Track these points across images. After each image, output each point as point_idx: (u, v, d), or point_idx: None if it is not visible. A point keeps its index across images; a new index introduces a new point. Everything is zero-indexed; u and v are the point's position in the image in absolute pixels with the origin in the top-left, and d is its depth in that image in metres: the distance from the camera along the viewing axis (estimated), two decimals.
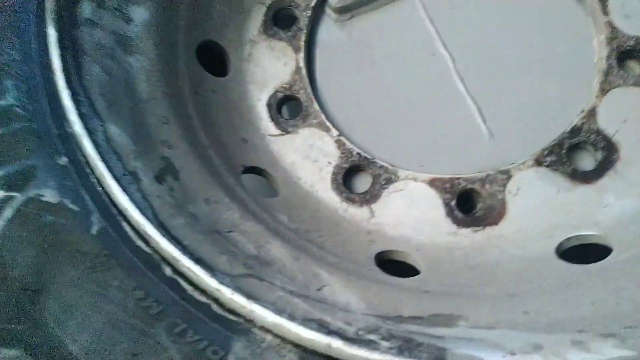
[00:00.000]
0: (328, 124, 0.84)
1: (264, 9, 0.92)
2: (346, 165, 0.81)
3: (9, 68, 0.58)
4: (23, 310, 0.45)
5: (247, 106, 0.86)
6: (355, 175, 0.82)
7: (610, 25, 0.81)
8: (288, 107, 0.88)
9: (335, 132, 0.83)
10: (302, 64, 0.87)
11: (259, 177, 0.81)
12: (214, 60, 0.86)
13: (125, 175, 0.55)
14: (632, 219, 0.68)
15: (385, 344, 0.45)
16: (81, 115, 0.56)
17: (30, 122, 0.56)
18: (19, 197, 0.51)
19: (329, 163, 0.82)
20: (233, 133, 0.81)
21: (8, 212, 0.50)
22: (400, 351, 0.44)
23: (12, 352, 0.42)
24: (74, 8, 0.63)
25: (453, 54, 0.86)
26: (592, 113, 0.77)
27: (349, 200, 0.79)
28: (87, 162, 0.53)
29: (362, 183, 0.81)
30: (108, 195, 0.52)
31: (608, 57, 0.79)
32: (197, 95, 0.79)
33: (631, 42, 0.79)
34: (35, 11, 0.60)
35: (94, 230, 0.50)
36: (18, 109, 0.56)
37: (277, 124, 0.85)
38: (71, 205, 0.51)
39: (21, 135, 0.55)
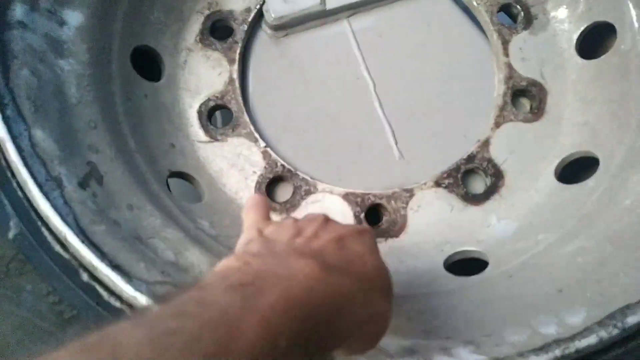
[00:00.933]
0: (256, 135, 0.89)
1: (202, 19, 0.95)
2: (270, 175, 0.87)
3: None
4: None
5: (178, 112, 0.89)
6: (277, 185, 0.88)
7: (509, 66, 0.92)
8: (218, 116, 0.93)
9: (262, 143, 0.88)
10: (235, 75, 0.92)
11: (185, 183, 0.85)
12: (148, 65, 0.89)
13: (48, 180, 0.58)
14: (508, 239, 0.80)
15: None
16: (5, 119, 0.58)
17: None
18: None
19: (254, 172, 0.87)
20: (162, 138, 0.85)
21: None
22: None
23: None
24: (6, 10, 0.64)
25: (375, 79, 0.94)
26: (486, 143, 0.88)
27: (270, 208, 0.85)
28: (9, 167, 0.56)
29: (284, 193, 0.88)
30: (29, 201, 0.55)
31: (504, 94, 0.91)
32: (129, 100, 0.82)
33: (524, 83, 0.91)
34: None
35: (11, 234, 0.53)
36: None
37: (207, 131, 0.89)
38: None
39: None
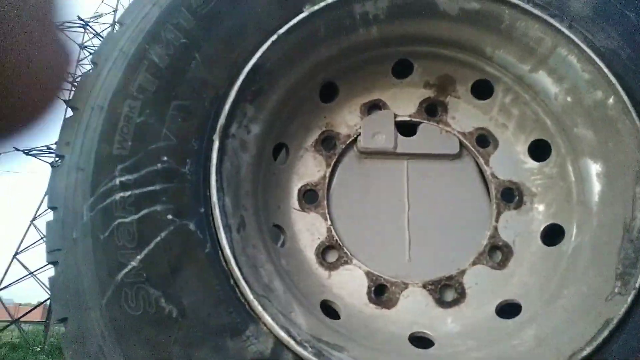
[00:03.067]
0: (327, 215, 1.44)
1: (319, 132, 1.51)
2: (327, 243, 1.42)
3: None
4: None
5: (288, 186, 1.46)
6: (329, 250, 1.43)
7: (495, 228, 1.43)
8: (308, 196, 1.48)
9: (329, 222, 1.43)
10: (327, 174, 1.47)
11: (278, 232, 1.41)
12: (280, 155, 1.45)
13: (226, 226, 1.14)
14: (451, 336, 1.31)
15: (310, 349, 1.06)
16: (217, 191, 1.15)
17: (191, 184, 1.14)
18: (177, 222, 1.10)
19: (319, 238, 1.42)
20: (275, 201, 1.41)
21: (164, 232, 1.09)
22: (316, 355, 1.05)
23: None
24: (229, 127, 1.21)
25: (411, 204, 1.47)
26: (462, 272, 1.39)
27: (320, 263, 1.40)
28: (213, 217, 1.13)
29: (332, 256, 1.42)
30: (217, 235, 1.11)
31: (485, 245, 1.42)
32: (265, 175, 1.38)
33: (500, 243, 1.42)
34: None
35: (206, 250, 1.10)
36: (187, 175, 1.15)
37: (300, 203, 1.45)
38: (200, 235, 1.11)
39: (183, 191, 1.14)
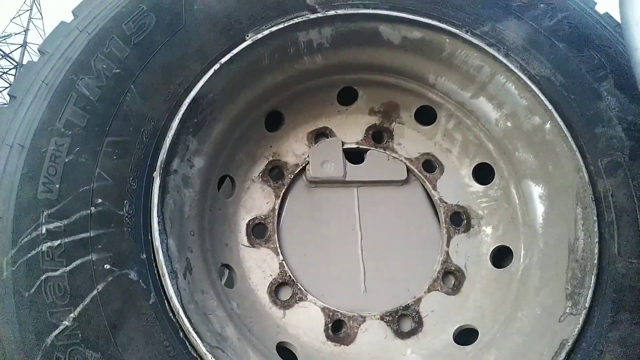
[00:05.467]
0: (279, 250, 1.37)
1: (266, 162, 1.44)
2: (280, 280, 1.35)
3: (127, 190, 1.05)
4: None
5: (235, 221, 1.37)
6: (283, 287, 1.36)
7: (447, 253, 1.43)
8: (258, 230, 1.41)
9: (281, 257, 1.36)
10: (277, 207, 1.41)
11: (226, 271, 1.31)
12: (227, 188, 1.37)
13: (171, 272, 1.04)
14: None
15: None
16: (159, 233, 1.04)
17: (130, 228, 1.03)
18: (116, 271, 0.99)
19: (271, 275, 1.35)
20: (222, 238, 1.32)
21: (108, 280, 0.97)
22: None
23: None
24: (170, 163, 1.12)
25: (363, 233, 1.44)
26: (418, 300, 1.38)
27: (274, 302, 1.32)
28: (156, 263, 1.02)
29: (285, 294, 1.35)
30: (162, 284, 1.01)
31: (439, 271, 1.41)
32: (210, 211, 1.30)
33: (453, 268, 1.42)
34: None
35: (151, 302, 0.99)
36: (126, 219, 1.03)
37: (249, 239, 1.37)
38: (142, 284, 1.00)
39: (121, 236, 1.02)
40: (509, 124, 1.38)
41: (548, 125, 1.30)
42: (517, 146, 1.37)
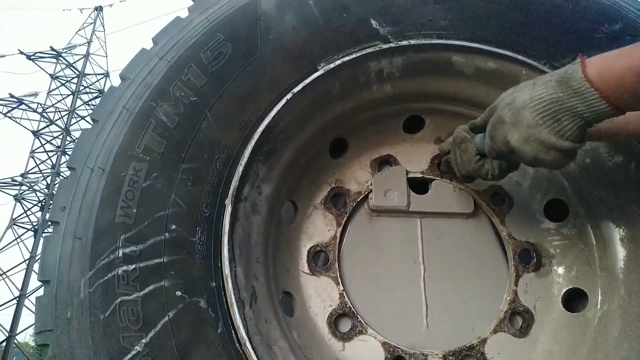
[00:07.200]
0: (339, 279, 1.35)
1: (328, 188, 1.43)
2: (340, 311, 1.32)
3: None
4: None
5: (296, 248, 1.36)
6: (342, 318, 1.33)
7: (515, 293, 1.37)
8: (318, 258, 1.39)
9: (341, 287, 1.34)
10: (338, 234, 1.39)
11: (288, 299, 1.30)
12: (285, 213, 1.37)
13: (238, 301, 1.04)
14: None
15: None
16: (229, 261, 1.05)
17: (202, 255, 1.04)
18: (187, 298, 0.99)
19: (330, 305, 1.33)
20: (284, 265, 1.31)
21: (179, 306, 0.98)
22: None
23: None
24: (241, 191, 1.13)
25: (426, 266, 1.40)
26: (483, 341, 1.31)
27: (333, 334, 1.30)
28: (225, 292, 1.02)
29: (345, 325, 1.32)
30: (230, 314, 1.01)
31: (506, 311, 1.35)
32: (275, 237, 1.29)
33: (521, 308, 1.35)
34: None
35: (219, 331, 0.99)
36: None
37: (310, 266, 1.36)
38: (211, 313, 1.00)
39: (193, 263, 1.03)
40: (587, 160, 1.31)
41: (633, 165, 1.22)
42: (596, 184, 1.30)
